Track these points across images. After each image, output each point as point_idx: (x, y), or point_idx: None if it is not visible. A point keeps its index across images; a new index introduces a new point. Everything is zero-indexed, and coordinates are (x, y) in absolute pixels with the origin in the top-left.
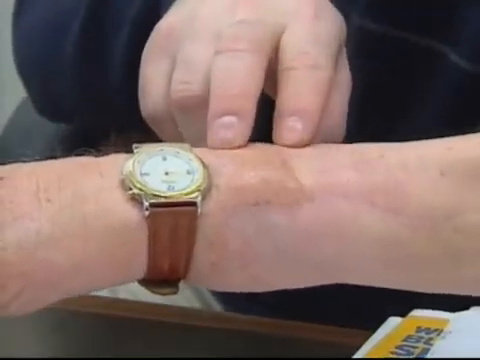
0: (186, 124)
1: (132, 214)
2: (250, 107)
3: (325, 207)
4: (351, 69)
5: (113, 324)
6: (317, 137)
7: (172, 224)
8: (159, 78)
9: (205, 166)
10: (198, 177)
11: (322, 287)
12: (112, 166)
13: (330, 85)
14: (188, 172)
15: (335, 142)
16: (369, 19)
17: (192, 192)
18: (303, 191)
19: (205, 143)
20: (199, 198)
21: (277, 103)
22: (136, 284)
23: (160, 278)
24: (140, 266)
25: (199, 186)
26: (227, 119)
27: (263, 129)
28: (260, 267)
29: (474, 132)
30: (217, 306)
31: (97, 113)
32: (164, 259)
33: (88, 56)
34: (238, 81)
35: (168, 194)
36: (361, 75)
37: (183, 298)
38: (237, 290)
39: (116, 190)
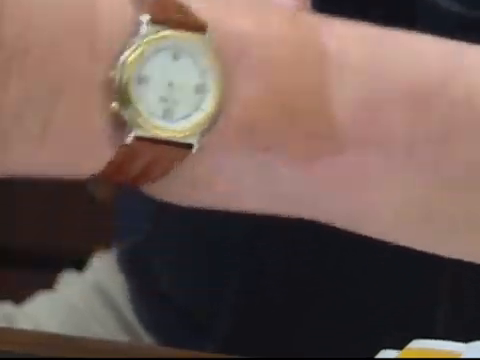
0: None
1: (107, 126)
2: None
3: (357, 162)
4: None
5: None
6: None
7: (150, 159)
8: None
9: (222, 82)
10: (207, 105)
11: (288, 314)
12: (109, 40)
13: None
14: (197, 90)
15: None
16: None
17: (191, 134)
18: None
19: None
20: (196, 140)
21: None
22: (38, 308)
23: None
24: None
25: (202, 123)
26: None
27: None
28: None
29: None
30: (148, 339)
31: None
32: (121, 180)
33: None
34: None
35: (161, 127)
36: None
37: (104, 331)
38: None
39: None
